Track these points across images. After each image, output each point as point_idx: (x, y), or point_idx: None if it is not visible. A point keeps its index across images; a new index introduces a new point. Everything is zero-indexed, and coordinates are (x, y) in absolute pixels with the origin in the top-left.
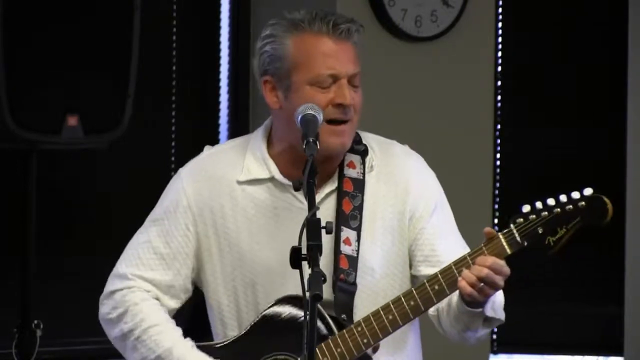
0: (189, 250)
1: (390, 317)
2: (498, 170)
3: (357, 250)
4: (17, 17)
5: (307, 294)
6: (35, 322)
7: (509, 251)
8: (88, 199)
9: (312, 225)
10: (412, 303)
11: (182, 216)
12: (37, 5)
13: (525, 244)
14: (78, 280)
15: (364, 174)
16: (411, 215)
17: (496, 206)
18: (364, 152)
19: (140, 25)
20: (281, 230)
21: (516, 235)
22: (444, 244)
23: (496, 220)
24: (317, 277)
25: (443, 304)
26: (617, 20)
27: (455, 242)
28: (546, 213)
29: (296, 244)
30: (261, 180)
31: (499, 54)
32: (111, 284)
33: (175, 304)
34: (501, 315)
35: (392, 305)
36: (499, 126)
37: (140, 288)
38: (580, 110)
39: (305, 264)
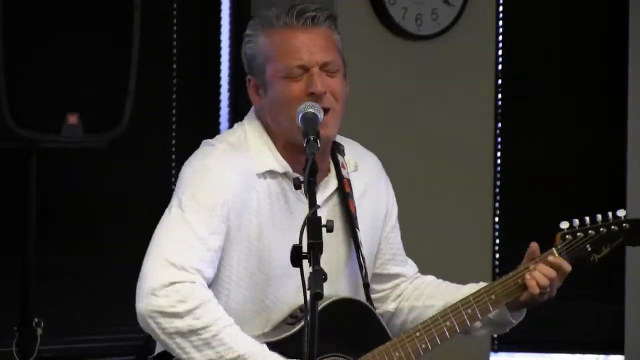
0: (223, 245)
1: (449, 323)
2: (499, 169)
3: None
4: (18, 16)
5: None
6: (36, 320)
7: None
8: (88, 197)
9: (312, 224)
10: (469, 311)
11: (223, 210)
12: (37, 5)
13: (575, 259)
14: (79, 279)
15: (349, 174)
16: (385, 215)
17: (497, 205)
18: (343, 152)
19: (141, 24)
20: (293, 225)
21: (568, 251)
22: (401, 243)
23: (497, 219)
24: (318, 276)
25: None
26: (618, 19)
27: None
28: (593, 232)
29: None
30: (276, 174)
31: (500, 52)
32: (167, 275)
33: None
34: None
35: (450, 314)
36: (499, 125)
37: (203, 284)
38: (581, 110)
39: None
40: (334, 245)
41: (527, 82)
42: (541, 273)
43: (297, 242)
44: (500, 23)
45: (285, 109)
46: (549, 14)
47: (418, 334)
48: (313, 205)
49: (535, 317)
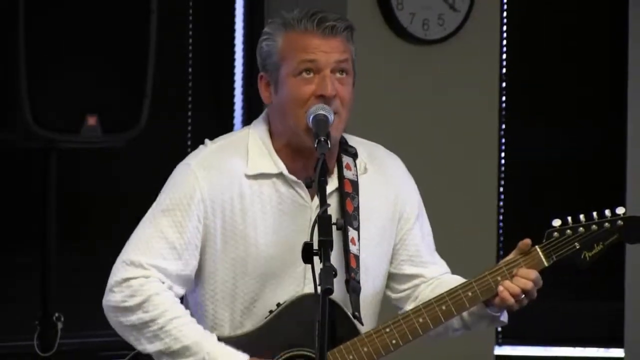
0: (198, 242)
1: (421, 320)
2: (502, 170)
3: (359, 250)
4: (38, 18)
5: (319, 288)
6: (56, 315)
7: (546, 264)
8: (106, 196)
9: (323, 221)
10: (444, 307)
11: (196, 208)
12: (56, 8)
13: (562, 257)
14: (97, 275)
15: (357, 175)
16: (400, 217)
17: (501, 203)
18: (354, 155)
19: (157, 26)
20: (284, 226)
21: (554, 248)
22: (426, 245)
23: (501, 220)
24: (329, 272)
25: None
26: (620, 23)
27: (432, 245)
28: (583, 229)
29: (299, 240)
30: (268, 175)
31: (504, 56)
32: (123, 271)
33: (181, 292)
34: (506, 318)
35: (423, 309)
36: (503, 126)
37: (156, 278)
38: (583, 111)
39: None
40: None
41: (530, 84)
42: (516, 285)
43: (290, 243)
44: (504, 28)
45: (294, 109)
46: (552, 18)
47: (388, 330)
48: (324, 203)
49: (538, 312)
